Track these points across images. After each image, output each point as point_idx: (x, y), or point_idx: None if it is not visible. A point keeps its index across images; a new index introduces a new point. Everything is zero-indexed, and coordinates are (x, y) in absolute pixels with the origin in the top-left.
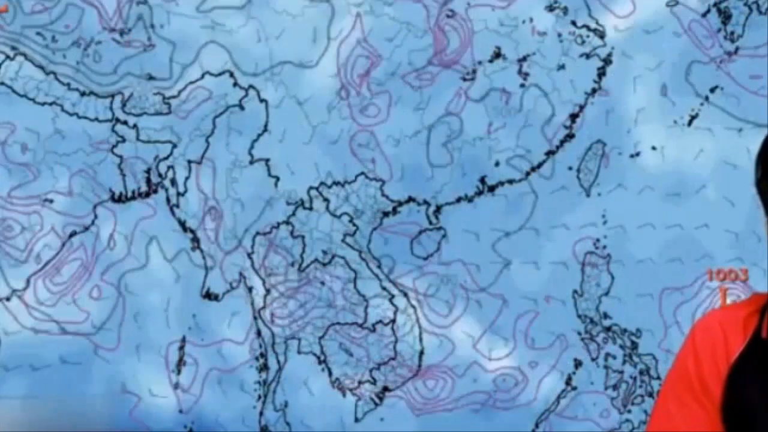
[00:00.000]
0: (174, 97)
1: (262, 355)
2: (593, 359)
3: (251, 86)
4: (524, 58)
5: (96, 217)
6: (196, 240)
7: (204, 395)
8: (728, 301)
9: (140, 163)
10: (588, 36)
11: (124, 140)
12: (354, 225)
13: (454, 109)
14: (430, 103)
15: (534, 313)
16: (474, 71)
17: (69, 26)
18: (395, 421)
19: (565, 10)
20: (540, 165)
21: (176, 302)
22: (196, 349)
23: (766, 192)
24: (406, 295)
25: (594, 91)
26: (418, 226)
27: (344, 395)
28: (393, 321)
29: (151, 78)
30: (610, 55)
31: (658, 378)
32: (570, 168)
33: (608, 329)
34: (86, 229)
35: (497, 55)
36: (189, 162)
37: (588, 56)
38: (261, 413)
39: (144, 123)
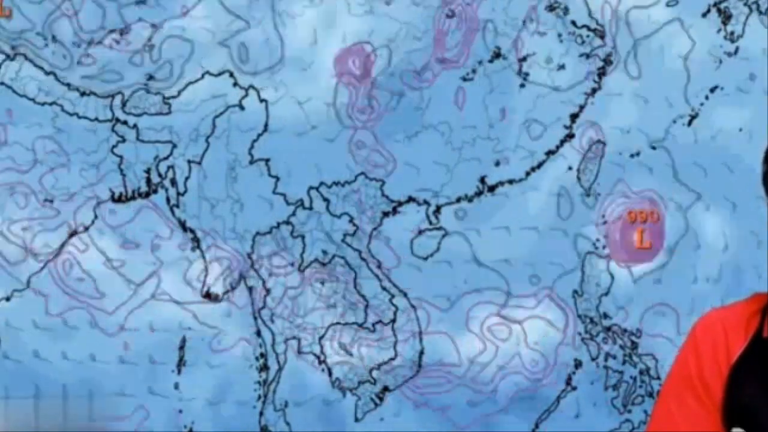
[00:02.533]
0: (174, 97)
1: (262, 355)
2: (593, 359)
3: (251, 86)
4: (524, 58)
5: (96, 217)
6: (196, 240)
7: (204, 395)
8: (644, 241)
9: (140, 163)
10: (588, 36)
11: (124, 140)
12: (354, 225)
13: (454, 109)
14: (430, 103)
15: (534, 312)
16: (474, 71)
17: (69, 26)
18: (395, 421)
19: (565, 10)
20: (540, 165)
21: (176, 302)
22: (196, 349)
23: None
24: (406, 295)
25: (594, 91)
26: (418, 226)
27: (344, 395)
28: (393, 321)
29: (151, 78)
30: (610, 55)
31: (658, 378)
32: (570, 168)
33: (608, 329)
34: (86, 229)
35: (497, 55)
36: (189, 162)
37: (588, 56)
38: (261, 413)
39: (144, 123)
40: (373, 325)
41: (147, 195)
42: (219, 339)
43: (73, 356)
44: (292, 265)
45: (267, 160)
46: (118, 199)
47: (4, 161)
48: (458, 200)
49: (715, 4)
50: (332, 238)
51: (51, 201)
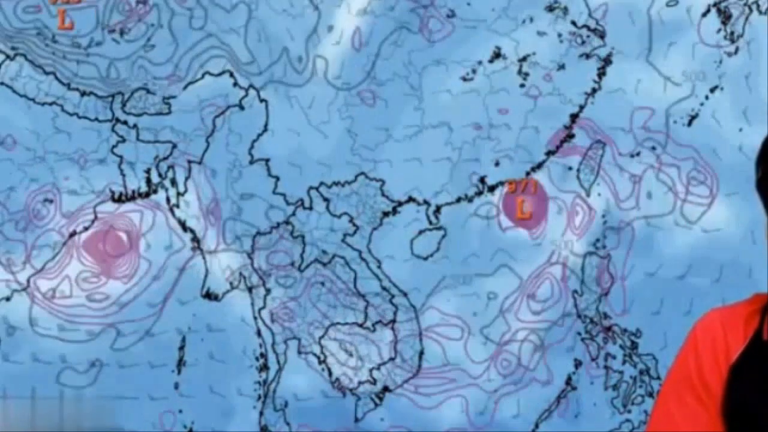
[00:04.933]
0: (174, 97)
1: (262, 355)
2: (593, 359)
3: (251, 86)
4: (524, 58)
5: (96, 217)
6: (196, 240)
7: (204, 395)
8: (525, 210)
9: (140, 163)
10: (588, 36)
11: (124, 140)
12: (354, 225)
13: (454, 109)
14: (430, 102)
15: (534, 312)
16: (474, 71)
17: (69, 26)
18: (395, 421)
19: (565, 10)
20: (540, 165)
21: (176, 302)
22: (196, 349)
23: (766, 192)
24: (406, 295)
25: (594, 91)
26: (418, 226)
27: (344, 395)
28: (393, 321)
29: (151, 78)
30: (610, 55)
31: (658, 378)
32: (570, 168)
33: (608, 329)
34: (86, 229)
35: (497, 55)
36: (189, 162)
37: (588, 56)
38: (261, 413)
39: (144, 123)
40: (373, 325)
41: (147, 195)
42: (219, 339)
43: (72, 356)
44: (292, 264)
45: (267, 160)
46: (118, 199)
47: (4, 161)
48: (458, 200)
49: (715, 4)
50: (332, 238)
51: (51, 201)
